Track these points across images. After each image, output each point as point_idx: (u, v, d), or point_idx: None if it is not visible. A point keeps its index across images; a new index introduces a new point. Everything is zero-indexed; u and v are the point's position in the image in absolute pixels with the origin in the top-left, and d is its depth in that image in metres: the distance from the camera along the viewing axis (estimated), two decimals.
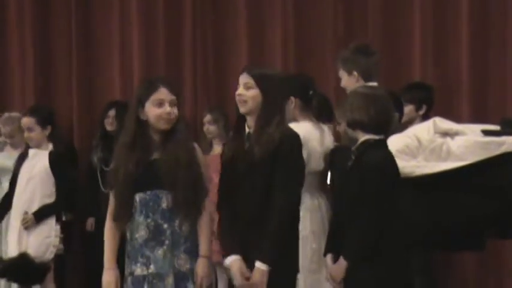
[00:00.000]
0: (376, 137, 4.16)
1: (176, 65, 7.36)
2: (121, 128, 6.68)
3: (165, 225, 4.15)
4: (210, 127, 6.84)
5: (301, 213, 4.71)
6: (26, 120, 6.16)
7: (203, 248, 4.17)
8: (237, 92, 4.16)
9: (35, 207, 6.08)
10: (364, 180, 4.05)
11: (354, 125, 4.19)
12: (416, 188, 4.49)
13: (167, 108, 4.16)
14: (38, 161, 6.13)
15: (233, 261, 4.11)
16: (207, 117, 6.85)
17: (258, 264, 4.01)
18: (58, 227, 6.12)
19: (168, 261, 4.14)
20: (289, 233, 4.11)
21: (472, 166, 4.45)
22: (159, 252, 4.15)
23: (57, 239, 6.11)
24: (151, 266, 4.16)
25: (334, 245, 4.21)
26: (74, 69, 7.63)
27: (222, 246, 4.22)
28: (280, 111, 4.14)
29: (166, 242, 4.14)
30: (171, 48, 7.41)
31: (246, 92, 4.13)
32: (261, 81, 4.11)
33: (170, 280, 4.14)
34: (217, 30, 7.36)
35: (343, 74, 5.25)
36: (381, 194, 4.05)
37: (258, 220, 4.06)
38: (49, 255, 6.08)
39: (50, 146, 6.21)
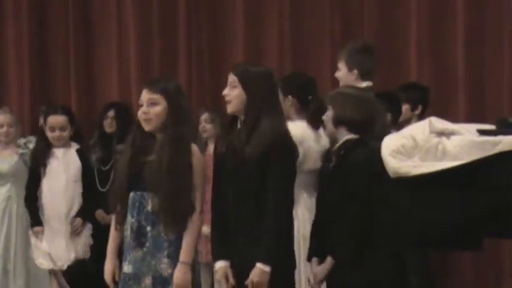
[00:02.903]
0: (357, 136, 4.16)
1: (172, 65, 7.36)
2: (120, 129, 6.80)
3: (148, 228, 4.12)
4: (206, 125, 6.79)
5: (300, 212, 4.72)
6: (60, 119, 6.09)
7: (183, 254, 4.10)
8: (223, 92, 4.16)
9: (75, 209, 6.08)
10: (350, 178, 4.07)
11: (341, 122, 4.17)
12: (412, 188, 4.43)
13: (143, 108, 4.12)
14: (70, 161, 6.12)
15: (220, 267, 4.12)
16: (205, 116, 6.81)
17: (259, 265, 3.98)
18: (90, 225, 6.15)
19: (146, 264, 4.10)
20: (286, 231, 4.10)
21: (468, 165, 4.41)
22: (139, 253, 4.12)
23: (91, 239, 6.13)
24: (130, 266, 4.14)
25: (318, 249, 4.18)
26: (72, 70, 7.62)
27: (212, 249, 4.21)
28: (269, 109, 4.09)
29: (147, 244, 4.11)
30: (167, 48, 7.41)
31: (230, 91, 4.12)
32: (243, 79, 4.10)
33: (147, 282, 4.10)
34: (213, 30, 7.34)
35: (343, 67, 5.25)
36: (369, 191, 4.05)
37: (251, 217, 4.04)
38: (85, 254, 6.12)
39: (75, 145, 6.19)
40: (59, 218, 6.08)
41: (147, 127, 4.14)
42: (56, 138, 6.08)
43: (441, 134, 4.58)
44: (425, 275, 5.90)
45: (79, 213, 6.09)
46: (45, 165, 6.10)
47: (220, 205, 4.17)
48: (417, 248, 5.25)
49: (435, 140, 4.56)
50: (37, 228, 6.13)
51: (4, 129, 6.55)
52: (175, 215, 4.05)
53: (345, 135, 4.18)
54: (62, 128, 6.08)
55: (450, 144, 4.51)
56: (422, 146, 4.56)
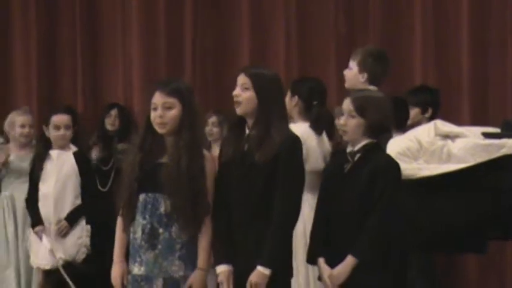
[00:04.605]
0: (375, 140, 4.09)
1: (177, 67, 7.35)
2: (122, 128, 6.83)
3: (160, 230, 4.05)
4: (214, 129, 6.77)
5: (306, 213, 4.66)
6: (64, 118, 6.09)
7: (200, 260, 4.05)
8: (234, 93, 4.07)
9: (66, 210, 6.07)
10: (379, 181, 3.97)
11: (376, 130, 4.08)
12: (417, 190, 4.45)
13: (158, 111, 4.04)
14: (65, 162, 6.11)
15: (223, 271, 4.06)
16: (213, 118, 6.77)
17: (260, 267, 3.94)
18: (88, 226, 6.12)
19: (158, 266, 4.05)
20: (290, 238, 4.05)
21: (473, 168, 4.42)
22: (151, 255, 4.05)
23: (88, 239, 6.10)
24: (142, 268, 4.08)
25: (323, 249, 4.11)
26: (78, 73, 7.64)
27: (214, 253, 4.14)
28: (278, 114, 4.05)
29: (159, 246, 4.04)
30: (172, 51, 7.41)
31: (242, 92, 4.05)
32: (257, 83, 4.03)
33: (159, 284, 4.05)
34: (218, 33, 7.35)
35: (354, 67, 5.16)
36: (397, 194, 4.00)
37: (256, 221, 3.99)
38: (80, 255, 6.09)
39: (72, 147, 6.19)
40: (48, 219, 6.08)
41: (161, 130, 4.07)
42: (60, 137, 6.08)
43: (446, 136, 4.63)
44: (429, 277, 5.86)
45: (68, 216, 6.07)
46: (42, 168, 6.12)
47: (223, 209, 4.11)
48: (424, 250, 5.23)
49: (440, 142, 4.60)
50: (38, 228, 6.12)
51: (26, 129, 6.57)
52: (192, 217, 4.01)
53: (365, 140, 4.07)
54: (67, 127, 6.09)
55: (455, 146, 4.54)
56: (428, 149, 4.60)
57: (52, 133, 6.08)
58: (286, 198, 3.97)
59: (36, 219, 6.14)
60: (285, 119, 4.11)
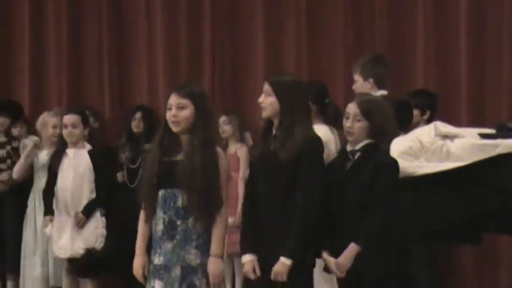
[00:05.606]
0: (375, 140, 4.26)
1: (196, 72, 7.50)
2: (147, 129, 7.05)
3: (178, 222, 4.19)
4: (224, 127, 6.96)
5: None
6: (71, 118, 6.37)
7: (213, 247, 4.18)
8: (259, 100, 4.30)
9: (83, 203, 6.35)
10: (381, 177, 4.15)
11: (377, 130, 4.23)
12: (417, 186, 4.55)
13: (173, 111, 4.19)
14: (81, 160, 6.39)
15: (248, 261, 4.28)
16: (222, 118, 6.95)
17: (282, 259, 4.13)
18: (103, 218, 6.39)
19: (176, 255, 4.18)
20: (311, 230, 4.21)
21: (470, 166, 4.53)
22: (169, 245, 4.19)
23: (104, 230, 6.37)
24: (161, 258, 4.22)
25: (327, 243, 4.26)
26: (105, 78, 7.81)
27: (241, 243, 4.34)
28: (301, 116, 4.23)
29: (177, 237, 4.18)
30: (192, 57, 7.57)
31: (265, 99, 4.27)
32: (277, 89, 4.24)
33: (177, 272, 4.17)
34: (235, 42, 7.49)
35: (358, 78, 5.37)
36: (396, 189, 4.19)
37: (280, 217, 4.17)
38: (98, 244, 6.36)
39: (87, 145, 6.45)
40: (67, 212, 6.37)
41: (175, 129, 4.19)
42: (67, 135, 6.37)
43: (445, 137, 4.70)
44: (430, 268, 6.02)
45: (84, 209, 6.36)
46: (59, 164, 6.40)
47: (253, 203, 4.32)
48: (424, 244, 5.39)
49: (440, 142, 4.67)
50: (47, 217, 6.44)
51: (58, 130, 6.79)
52: (206, 210, 4.17)
53: (366, 140, 4.26)
54: (73, 126, 6.36)
55: (454, 146, 4.64)
56: (428, 148, 4.66)
57: (63, 131, 6.38)
58: (307, 195, 4.15)
59: (48, 210, 6.44)
60: (307, 119, 4.30)
